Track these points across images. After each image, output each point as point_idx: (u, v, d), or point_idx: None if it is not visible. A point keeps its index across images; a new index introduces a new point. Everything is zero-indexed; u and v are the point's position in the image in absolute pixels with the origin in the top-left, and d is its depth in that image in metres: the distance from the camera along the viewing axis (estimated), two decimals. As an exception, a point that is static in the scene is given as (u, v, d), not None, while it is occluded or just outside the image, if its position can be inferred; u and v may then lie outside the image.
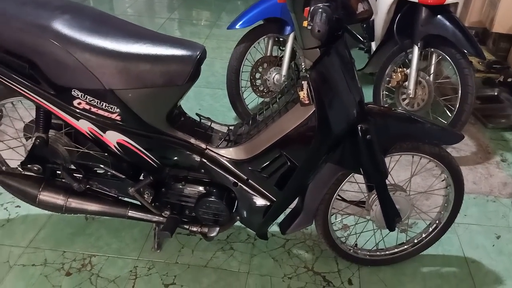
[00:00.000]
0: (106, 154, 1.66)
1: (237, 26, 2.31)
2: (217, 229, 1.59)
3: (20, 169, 1.67)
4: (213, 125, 1.64)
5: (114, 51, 1.35)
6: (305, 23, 1.19)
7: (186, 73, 1.40)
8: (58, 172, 1.63)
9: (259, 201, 1.58)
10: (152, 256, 1.80)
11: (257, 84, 2.57)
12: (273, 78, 2.51)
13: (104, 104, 1.42)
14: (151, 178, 1.51)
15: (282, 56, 2.50)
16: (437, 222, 1.77)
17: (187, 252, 1.83)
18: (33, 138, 1.63)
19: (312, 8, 1.16)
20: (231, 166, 1.56)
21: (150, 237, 1.88)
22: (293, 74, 1.49)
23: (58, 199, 1.56)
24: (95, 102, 1.41)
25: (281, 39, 2.55)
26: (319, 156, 1.42)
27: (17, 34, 1.32)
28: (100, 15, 1.44)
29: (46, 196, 1.56)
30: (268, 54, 2.54)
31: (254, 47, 2.43)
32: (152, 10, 4.71)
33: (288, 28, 2.40)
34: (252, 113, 2.48)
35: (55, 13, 1.35)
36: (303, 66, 1.59)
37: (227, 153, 1.56)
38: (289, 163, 1.52)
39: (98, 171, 1.63)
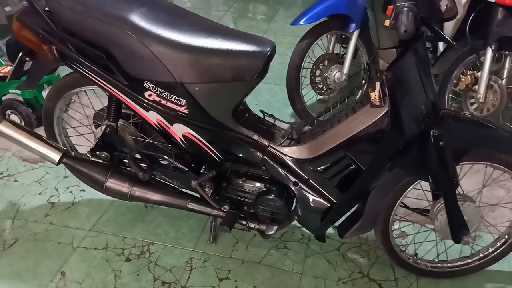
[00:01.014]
0: (170, 145, 1.70)
1: (301, 22, 2.27)
2: (275, 227, 1.58)
3: (89, 155, 1.74)
4: (276, 122, 1.63)
5: (186, 45, 1.36)
6: (387, 22, 1.14)
7: (255, 69, 1.39)
8: (124, 160, 1.68)
9: (319, 202, 1.55)
10: (207, 248, 1.82)
11: (316, 81, 2.53)
12: (334, 76, 2.46)
13: (174, 97, 1.44)
14: (213, 172, 1.52)
15: (344, 54, 2.45)
16: (506, 236, 1.67)
17: (241, 247, 1.84)
18: (103, 126, 1.69)
19: (396, 6, 1.11)
20: (292, 165, 1.54)
21: (206, 229, 1.90)
22: (364, 74, 1.44)
23: (123, 187, 1.61)
24: (165, 94, 1.44)
25: (343, 36, 2.49)
26: (387, 160, 1.38)
27: (96, 24, 1.36)
28: (175, 9, 1.46)
29: (112, 183, 1.61)
30: (329, 51, 2.49)
31: (317, 44, 2.39)
32: (209, 4, 4.76)
33: (353, 25, 2.34)
34: (310, 111, 2.48)
35: (133, 5, 1.39)
36: (364, 65, 1.54)
37: (289, 152, 1.54)
38: (353, 166, 1.48)
39: (161, 162, 1.66)
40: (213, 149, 1.55)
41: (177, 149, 1.65)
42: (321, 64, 2.50)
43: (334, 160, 1.49)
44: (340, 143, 1.45)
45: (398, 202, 1.55)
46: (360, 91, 1.49)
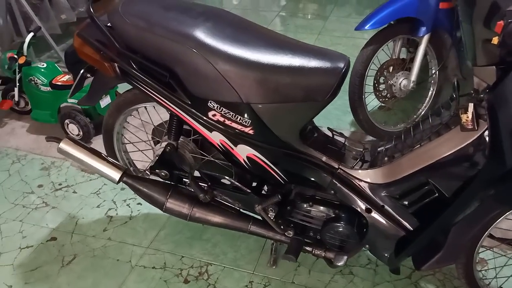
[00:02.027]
0: (230, 163, 1.61)
1: (366, 27, 2.11)
2: (345, 257, 1.46)
3: (148, 173, 1.69)
4: (347, 142, 1.50)
5: (254, 63, 1.26)
6: (495, 40, 0.98)
7: (329, 88, 1.27)
8: (184, 179, 1.61)
9: (394, 230, 1.41)
10: (267, 271, 1.72)
11: (380, 89, 2.36)
12: (400, 84, 2.29)
13: (239, 117, 1.35)
14: (279, 197, 1.41)
15: (412, 60, 2.26)
16: None
17: (303, 271, 1.72)
18: (162, 143, 1.63)
19: (509, 23, 0.95)
20: (365, 190, 1.41)
21: (265, 250, 1.81)
22: (454, 93, 1.28)
23: (183, 207, 1.54)
24: (230, 114, 1.35)
25: (410, 39, 2.31)
26: (482, 191, 1.21)
27: (160, 41, 1.29)
28: (240, 22, 1.36)
29: (172, 203, 1.54)
30: (395, 57, 2.31)
31: (382, 49, 2.22)
32: (258, 4, 4.65)
33: (423, 29, 2.15)
34: (373, 121, 2.31)
35: (198, 21, 1.30)
36: (454, 83, 1.38)
37: (361, 175, 1.41)
38: (436, 193, 1.32)
39: (222, 182, 1.58)
40: (278, 171, 1.44)
41: (238, 169, 1.56)
42: (385, 70, 2.33)
43: (414, 186, 1.35)
44: (422, 168, 1.31)
45: (486, 233, 1.38)
46: (445, 110, 1.32)
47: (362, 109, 2.32)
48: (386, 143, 1.46)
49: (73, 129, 2.40)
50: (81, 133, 2.38)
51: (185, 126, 1.59)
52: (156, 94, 1.39)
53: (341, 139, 1.50)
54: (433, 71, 2.36)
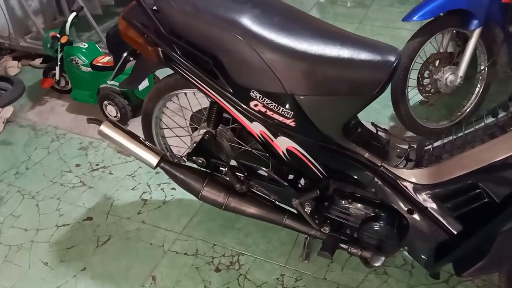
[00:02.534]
0: (268, 155, 1.59)
1: (415, 18, 2.01)
2: (383, 258, 1.41)
3: (184, 159, 1.69)
4: (391, 139, 1.44)
5: (302, 54, 1.22)
6: None
7: (378, 82, 1.21)
8: (221, 168, 1.59)
9: (436, 234, 1.35)
10: (299, 266, 1.70)
11: (424, 83, 2.27)
12: (446, 79, 2.19)
13: (282, 108, 1.31)
14: (317, 192, 1.38)
15: (460, 54, 2.16)
16: None
17: (336, 268, 1.69)
18: (200, 130, 1.61)
19: None
20: (408, 190, 1.35)
21: (297, 244, 1.78)
22: (513, 93, 1.20)
23: (219, 196, 1.53)
24: (272, 105, 1.31)
25: (459, 33, 2.20)
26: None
27: (206, 27, 1.26)
28: (287, 10, 1.32)
29: (208, 192, 1.53)
30: (442, 50, 2.21)
31: (430, 42, 2.12)
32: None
33: (475, 22, 2.03)
34: (415, 116, 2.23)
35: (245, 7, 1.26)
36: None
37: (406, 175, 1.35)
38: (486, 198, 1.26)
39: (259, 173, 1.56)
40: (317, 165, 1.40)
41: (276, 161, 1.53)
42: (431, 64, 2.23)
43: (462, 189, 1.28)
44: (472, 171, 1.24)
45: (536, 242, 1.31)
46: (502, 111, 1.24)
47: (404, 103, 2.23)
48: (434, 142, 1.39)
49: (111, 111, 2.42)
50: (119, 115, 2.40)
51: (224, 114, 1.57)
52: (198, 81, 1.37)
53: (385, 136, 1.44)
54: (482, 67, 2.24)
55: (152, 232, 1.84)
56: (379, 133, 1.44)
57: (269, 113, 1.33)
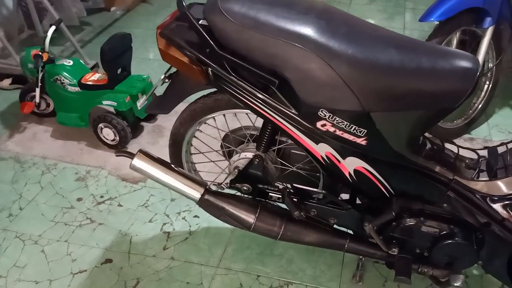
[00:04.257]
0: (317, 174, 1.47)
1: (432, 18, 1.97)
2: (461, 277, 1.34)
3: (223, 187, 1.52)
4: (460, 150, 1.36)
5: (382, 67, 1.10)
6: None
7: (463, 93, 1.12)
8: (271, 194, 1.44)
9: (514, 247, 1.30)
10: (355, 289, 1.59)
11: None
12: (459, 78, 2.17)
13: (354, 127, 1.19)
14: (393, 214, 1.27)
15: (472, 53, 2.14)
16: None
17: (392, 286, 1.60)
18: (241, 154, 1.46)
19: None
20: (484, 202, 1.28)
21: (345, 264, 1.67)
22: None
23: (274, 226, 1.38)
24: (343, 124, 1.19)
25: (466, 31, 2.19)
26: None
27: (270, 43, 1.11)
28: (352, 19, 1.19)
29: (262, 222, 1.38)
30: (452, 50, 2.19)
31: (447, 43, 2.09)
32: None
33: (489, 20, 2.02)
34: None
35: (310, 18, 1.12)
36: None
37: (480, 186, 1.28)
38: None
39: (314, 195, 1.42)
40: (385, 184, 1.30)
41: (328, 180, 1.42)
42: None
43: (543, 198, 1.23)
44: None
45: None
46: None
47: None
48: (507, 152, 1.33)
49: (108, 134, 2.18)
50: (118, 138, 2.17)
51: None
52: (255, 102, 1.21)
53: (454, 147, 1.36)
54: (491, 64, 2.25)
55: (185, 269, 1.65)
56: (445, 144, 1.36)
57: (338, 132, 1.21)
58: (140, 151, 1.36)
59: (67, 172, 2.09)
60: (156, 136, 2.32)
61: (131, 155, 1.35)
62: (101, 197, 1.96)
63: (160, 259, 1.68)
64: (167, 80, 1.33)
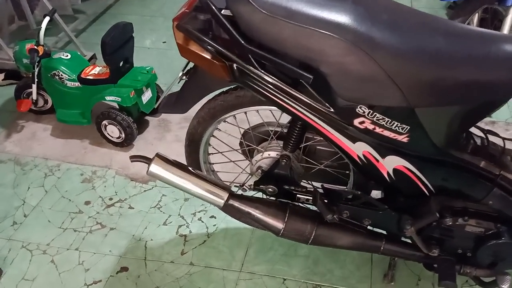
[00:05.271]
0: (347, 172, 1.37)
1: (455, -3, 1.85)
2: (509, 278, 1.25)
3: (245, 188, 1.42)
4: (506, 142, 1.26)
5: (430, 58, 0.98)
6: None
7: (516, 83, 1.01)
8: (299, 195, 1.34)
9: None
10: (387, 290, 1.51)
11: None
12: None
13: (396, 123, 1.08)
14: (437, 215, 1.18)
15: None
16: None
17: (426, 286, 1.52)
18: (264, 153, 1.35)
19: None
20: (532, 198, 1.19)
21: (375, 263, 1.59)
22: None
23: (305, 230, 1.28)
24: (384, 121, 1.08)
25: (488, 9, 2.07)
26: None
27: (304, 34, 0.98)
28: (391, 4, 1.07)
29: (291, 227, 1.28)
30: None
31: (468, 22, 1.97)
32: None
33: (512, -2, 1.91)
34: None
35: (347, 5, 0.99)
36: None
37: (528, 181, 1.19)
38: None
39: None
40: (426, 182, 1.20)
41: (360, 178, 1.32)
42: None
43: None
44: None
45: None
46: None
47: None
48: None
49: (113, 131, 2.05)
50: (123, 135, 2.05)
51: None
52: (285, 99, 1.09)
53: (498, 139, 1.26)
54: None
55: (207, 274, 1.56)
56: (489, 137, 1.26)
57: (377, 130, 1.10)
58: (158, 155, 1.25)
59: (71, 173, 1.97)
60: (162, 131, 2.20)
61: (148, 160, 1.24)
62: (110, 199, 1.85)
63: (179, 265, 1.59)
64: (184, 78, 1.20)
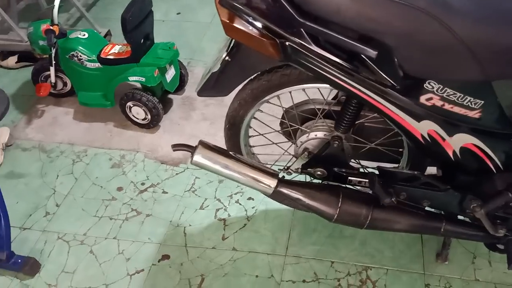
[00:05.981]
0: (400, 150, 1.28)
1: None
2: None
3: (291, 172, 1.33)
4: None
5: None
6: None
7: None
8: (350, 178, 1.26)
9: None
10: (441, 270, 1.44)
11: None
12: None
13: (468, 99, 0.97)
14: (510, 194, 1.09)
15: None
16: None
17: (483, 264, 1.45)
18: (309, 134, 1.26)
19: None
20: None
21: (425, 241, 1.51)
22: None
23: (360, 215, 1.20)
24: (455, 96, 0.97)
25: None
26: None
27: (368, 3, 0.87)
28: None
29: (346, 211, 1.20)
30: None
31: None
32: None
33: None
34: None
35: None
36: None
37: None
38: None
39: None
40: (495, 160, 1.10)
41: (415, 157, 1.23)
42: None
43: None
44: None
45: None
46: None
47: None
48: None
49: (138, 113, 1.96)
50: (149, 116, 1.96)
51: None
52: (343, 77, 0.99)
53: None
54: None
55: (251, 260, 1.50)
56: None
57: (446, 106, 0.99)
58: (201, 143, 1.16)
59: (100, 159, 1.90)
60: (187, 110, 2.10)
61: (191, 149, 1.15)
62: (142, 184, 1.78)
63: (222, 251, 1.53)
64: (227, 58, 1.09)
